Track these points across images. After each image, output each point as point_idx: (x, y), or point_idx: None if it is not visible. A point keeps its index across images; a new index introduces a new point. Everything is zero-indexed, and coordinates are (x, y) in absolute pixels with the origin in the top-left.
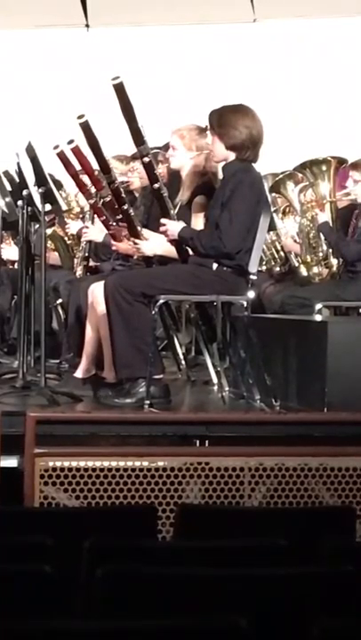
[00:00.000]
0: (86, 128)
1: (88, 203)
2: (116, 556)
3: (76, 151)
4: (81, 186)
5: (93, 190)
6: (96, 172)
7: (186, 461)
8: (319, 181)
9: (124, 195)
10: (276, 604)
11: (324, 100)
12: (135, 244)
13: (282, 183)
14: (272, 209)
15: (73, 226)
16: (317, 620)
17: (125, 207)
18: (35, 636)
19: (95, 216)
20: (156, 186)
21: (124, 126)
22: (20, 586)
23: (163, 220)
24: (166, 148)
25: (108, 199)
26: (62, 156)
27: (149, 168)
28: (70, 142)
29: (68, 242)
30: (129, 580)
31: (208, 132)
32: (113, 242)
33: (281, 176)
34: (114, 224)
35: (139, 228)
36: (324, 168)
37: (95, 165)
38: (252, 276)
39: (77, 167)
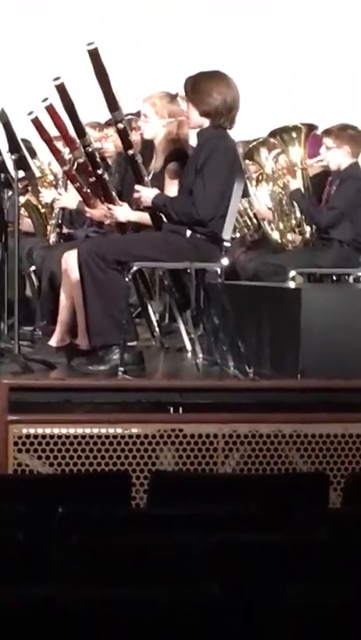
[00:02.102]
0: (62, 90)
1: (62, 169)
2: (90, 523)
3: (51, 110)
4: (55, 152)
5: (67, 157)
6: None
7: (159, 428)
8: (290, 148)
9: (98, 159)
10: (250, 571)
11: (297, 66)
12: (109, 209)
13: (255, 150)
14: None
15: (47, 195)
16: (290, 587)
17: (100, 172)
18: (8, 603)
19: (69, 183)
20: (131, 152)
21: (97, 93)
22: None
23: (137, 187)
24: (140, 114)
25: (81, 161)
26: (36, 123)
27: (124, 134)
28: (44, 100)
29: (42, 210)
30: (103, 547)
31: (179, 99)
32: (87, 208)
33: (254, 143)
34: (87, 191)
35: (113, 194)
36: (294, 135)
37: (70, 130)
38: (225, 243)
39: (52, 132)
